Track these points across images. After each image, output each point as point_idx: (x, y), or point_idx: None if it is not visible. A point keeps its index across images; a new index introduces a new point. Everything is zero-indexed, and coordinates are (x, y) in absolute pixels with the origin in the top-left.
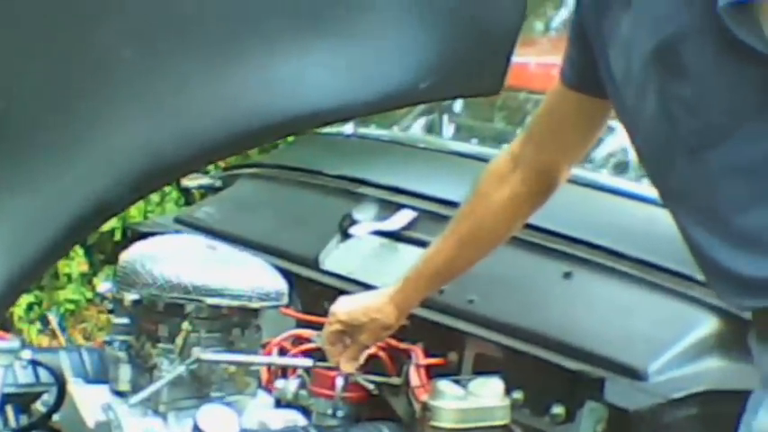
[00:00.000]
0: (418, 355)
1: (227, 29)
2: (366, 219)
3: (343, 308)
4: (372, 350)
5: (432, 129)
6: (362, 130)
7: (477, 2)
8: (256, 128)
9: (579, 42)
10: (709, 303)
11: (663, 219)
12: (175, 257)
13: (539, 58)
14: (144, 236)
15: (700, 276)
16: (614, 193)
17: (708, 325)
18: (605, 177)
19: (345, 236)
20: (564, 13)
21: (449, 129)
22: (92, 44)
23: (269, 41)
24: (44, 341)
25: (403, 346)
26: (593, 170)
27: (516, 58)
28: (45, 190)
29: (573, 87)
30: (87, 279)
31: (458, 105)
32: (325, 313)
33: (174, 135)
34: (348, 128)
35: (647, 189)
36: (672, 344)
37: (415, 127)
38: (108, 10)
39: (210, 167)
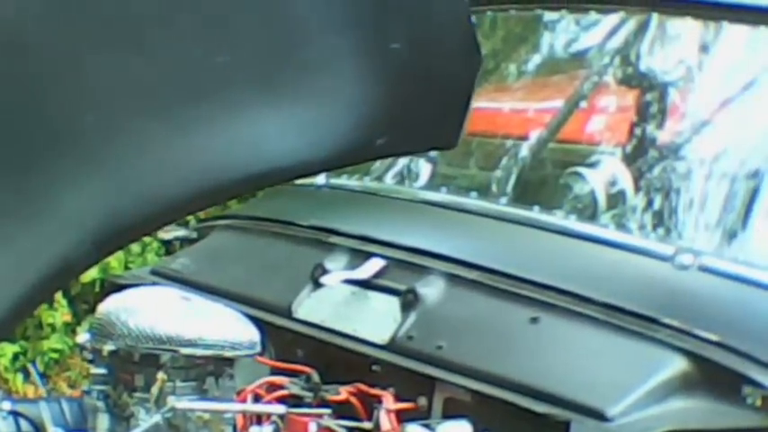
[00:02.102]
0: (388, 400)
1: (186, 93)
2: (337, 268)
3: None
4: (343, 395)
5: (404, 178)
6: (335, 181)
7: (431, 58)
8: (215, 187)
9: None
10: (675, 345)
11: (629, 263)
12: (150, 309)
13: (513, 104)
14: (122, 287)
15: (665, 319)
16: (581, 238)
17: (673, 366)
18: (572, 223)
19: (317, 285)
20: (537, 58)
21: (421, 177)
22: (52, 110)
23: (227, 103)
24: (30, 390)
25: (374, 391)
26: (561, 216)
27: (490, 104)
28: (6, 251)
29: None
30: (71, 329)
31: (432, 153)
32: (298, 361)
33: (135, 195)
34: (320, 179)
35: (614, 234)
36: (637, 386)
37: (387, 177)
38: (66, 78)
39: (191, 218)
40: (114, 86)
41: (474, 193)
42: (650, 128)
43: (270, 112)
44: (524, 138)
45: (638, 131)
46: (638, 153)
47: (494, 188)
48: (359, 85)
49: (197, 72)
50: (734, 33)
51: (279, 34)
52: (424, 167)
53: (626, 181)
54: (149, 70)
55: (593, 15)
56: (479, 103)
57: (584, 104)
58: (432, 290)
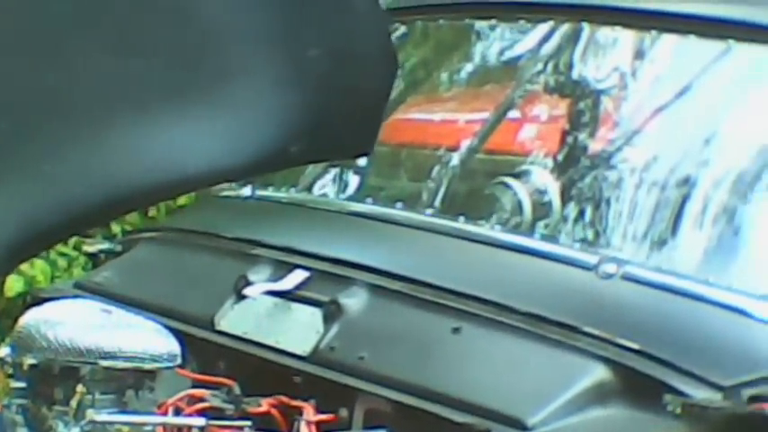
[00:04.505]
0: (309, 411)
1: (100, 99)
2: (260, 279)
3: None
4: (264, 407)
5: (331, 189)
6: (261, 193)
7: (347, 66)
8: (130, 193)
9: None
10: (596, 354)
11: (553, 272)
12: (70, 322)
13: (443, 114)
14: (44, 301)
15: (587, 327)
16: (506, 248)
17: (593, 375)
18: (497, 233)
19: (240, 297)
20: (468, 68)
21: (348, 189)
22: None
23: (141, 111)
24: None
25: (295, 403)
26: (486, 227)
27: (420, 115)
28: None
29: None
30: None
31: (361, 164)
32: (220, 373)
33: (50, 202)
34: (247, 190)
35: (539, 244)
36: (557, 395)
37: (314, 188)
38: None
39: (117, 231)
40: (27, 93)
41: (400, 204)
42: (580, 137)
43: (184, 119)
44: (453, 148)
45: (567, 141)
46: (567, 163)
47: (420, 199)
48: (275, 93)
49: (111, 79)
50: (664, 42)
51: (193, 42)
52: (352, 178)
53: (553, 191)
54: (62, 77)
55: (523, 24)
56: (409, 113)
57: (513, 114)
58: (354, 301)
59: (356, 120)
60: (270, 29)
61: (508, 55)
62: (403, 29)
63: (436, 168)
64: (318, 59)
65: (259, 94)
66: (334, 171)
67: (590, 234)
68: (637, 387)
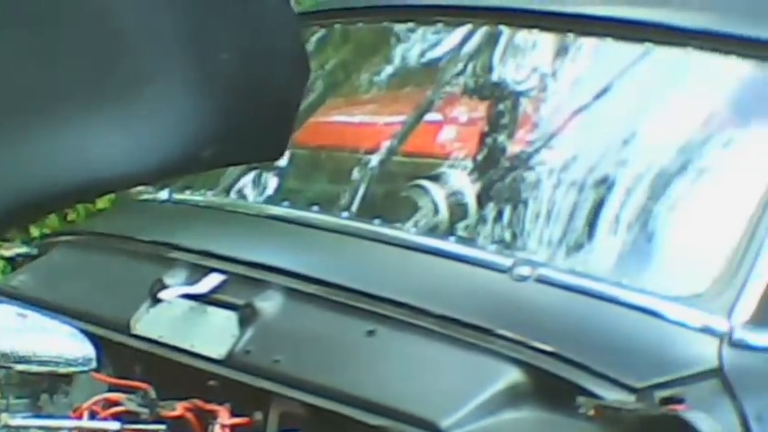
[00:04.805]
0: (223, 415)
1: (10, 103)
2: (176, 283)
3: None
4: (179, 411)
5: (249, 192)
6: (178, 196)
7: (259, 70)
8: (43, 197)
9: None
10: (510, 356)
11: (467, 275)
12: None
13: (362, 117)
14: None
15: (501, 330)
16: (422, 251)
17: (507, 377)
18: (413, 236)
19: (155, 300)
20: (389, 70)
21: (266, 192)
22: None
23: (51, 115)
24: None
25: (209, 406)
26: (401, 230)
27: (339, 117)
28: None
29: None
30: None
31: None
32: (136, 377)
33: None
34: (164, 193)
35: (454, 246)
36: (471, 397)
37: (232, 191)
38: None
39: (35, 234)
40: None
41: (316, 207)
42: (497, 140)
43: (96, 122)
44: (371, 151)
45: (484, 144)
46: (484, 165)
47: (337, 202)
48: (186, 96)
49: (22, 82)
50: (582, 45)
51: (104, 46)
52: (270, 181)
53: (470, 193)
54: None
55: (441, 27)
56: (328, 116)
57: (431, 117)
58: (270, 304)
59: (268, 123)
60: (181, 32)
61: (427, 58)
62: (322, 32)
63: (353, 171)
64: (229, 62)
65: (170, 98)
66: (253, 174)
67: (505, 237)
68: (550, 389)
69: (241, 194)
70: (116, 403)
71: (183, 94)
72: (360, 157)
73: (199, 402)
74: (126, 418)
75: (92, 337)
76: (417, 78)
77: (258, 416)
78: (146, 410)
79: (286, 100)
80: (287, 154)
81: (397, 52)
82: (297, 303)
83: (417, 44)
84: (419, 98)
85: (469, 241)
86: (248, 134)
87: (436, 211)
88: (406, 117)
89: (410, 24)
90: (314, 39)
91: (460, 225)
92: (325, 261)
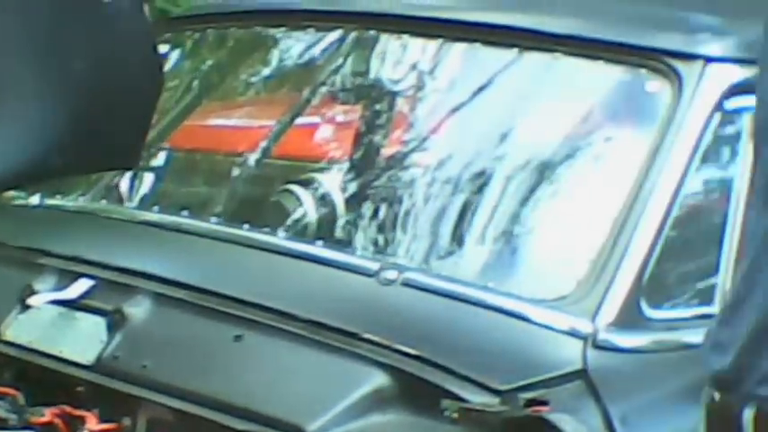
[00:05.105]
0: (91, 421)
1: None
2: (46, 289)
3: None
4: (47, 417)
5: (122, 197)
6: (50, 201)
7: (113, 79)
8: None
9: None
10: (376, 360)
11: (335, 279)
12: None
13: (234, 121)
14: None
15: (367, 334)
16: (289, 255)
17: (373, 381)
18: (281, 241)
19: (24, 306)
20: (263, 74)
21: (139, 197)
22: None
23: None
24: None
25: (78, 412)
26: (270, 234)
27: (212, 121)
28: None
29: None
30: None
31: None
32: (5, 383)
33: None
34: (35, 198)
35: (322, 251)
36: (337, 401)
37: (104, 196)
38: None
39: None
40: None
41: (186, 212)
42: (366, 145)
43: None
44: (241, 155)
45: (354, 148)
46: (353, 170)
47: (207, 207)
48: (38, 105)
49: None
50: (453, 50)
51: None
52: (143, 186)
53: (338, 197)
54: None
55: (313, 33)
56: (202, 119)
57: (302, 121)
58: (139, 310)
59: (121, 132)
60: (33, 41)
61: (299, 62)
62: (197, 36)
63: (224, 175)
64: (82, 71)
65: (24, 107)
66: (126, 179)
67: (373, 241)
68: (416, 392)
69: (113, 199)
70: None
71: (34, 102)
72: (231, 162)
73: (67, 408)
74: None
75: None
76: (289, 83)
77: (126, 421)
78: (14, 416)
79: (140, 109)
80: (161, 158)
81: (271, 57)
82: (165, 309)
83: (290, 49)
84: (290, 102)
85: (337, 245)
86: (101, 142)
87: (305, 215)
88: (277, 121)
89: (282, 29)
90: (189, 43)
91: (329, 229)
92: (194, 266)
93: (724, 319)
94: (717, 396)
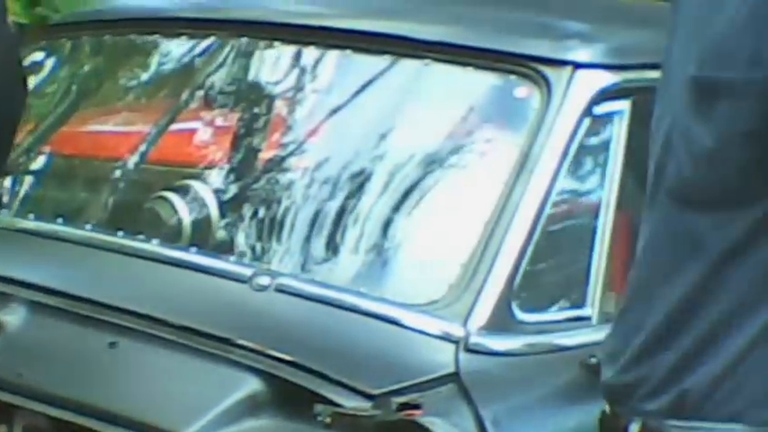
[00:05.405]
0: None
1: None
2: None
3: None
4: None
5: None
6: None
7: None
8: None
9: None
10: (249, 366)
11: (209, 285)
12: None
13: (111, 128)
14: None
15: (240, 340)
16: (163, 262)
17: (247, 387)
18: (155, 247)
19: None
20: (138, 81)
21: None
22: None
23: None
24: None
25: None
26: (144, 241)
27: (89, 127)
28: None
29: None
30: None
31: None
32: None
33: None
34: None
35: (196, 257)
36: (211, 407)
37: None
38: None
39: None
40: None
41: (61, 219)
42: (240, 151)
43: None
44: (117, 162)
45: (228, 155)
46: (227, 176)
47: (83, 213)
48: None
49: None
50: (325, 57)
51: None
52: (21, 193)
53: (212, 204)
54: None
55: (186, 40)
56: (79, 125)
57: (177, 127)
58: (13, 318)
59: None
60: None
61: (174, 69)
62: (72, 43)
63: (99, 182)
64: None
65: None
66: (3, 186)
67: (247, 247)
68: (290, 397)
69: None
70: None
71: None
72: (106, 168)
73: None
74: None
75: None
76: (165, 89)
77: (2, 429)
78: None
79: (4, 120)
80: (39, 163)
81: (146, 63)
82: (40, 316)
83: (165, 55)
84: (165, 109)
85: (211, 252)
86: None
87: (179, 221)
88: (152, 128)
89: (156, 36)
90: (65, 50)
91: (203, 236)
92: (68, 274)
93: (615, 331)
94: (608, 408)
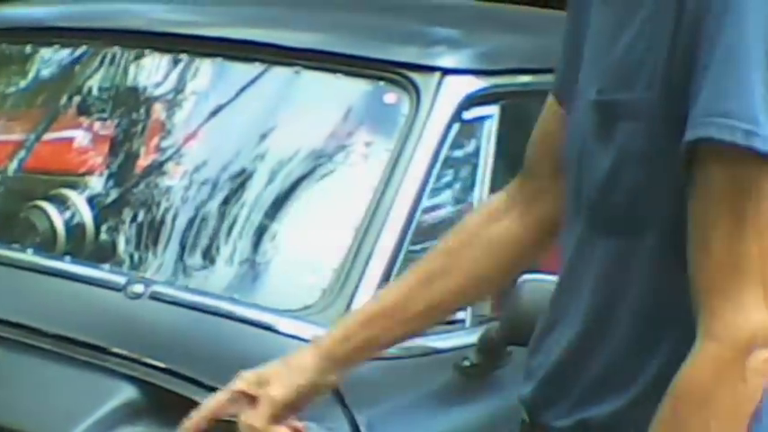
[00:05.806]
0: None
1: None
2: None
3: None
4: None
5: None
6: None
7: None
8: None
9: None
10: (124, 373)
11: (83, 294)
12: None
13: None
14: None
15: (115, 348)
16: (38, 272)
17: (121, 395)
18: (29, 257)
19: None
20: (17, 87)
21: None
22: None
23: None
24: None
25: None
26: (18, 250)
27: None
28: None
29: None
30: None
31: None
32: None
33: None
34: None
35: (70, 266)
36: (86, 415)
37: None
38: None
39: None
40: None
41: None
42: (115, 160)
43: None
44: None
45: (103, 163)
46: (102, 185)
47: None
48: None
49: None
50: (198, 65)
51: None
52: None
53: (86, 212)
54: None
55: (60, 48)
56: None
57: (52, 136)
58: None
59: None
60: None
61: (49, 77)
62: None
63: None
64: None
65: None
66: None
67: (121, 256)
68: (166, 405)
69: None
70: None
71: None
72: None
73: None
74: None
75: None
76: (38, 98)
77: None
78: None
79: None
80: None
81: (20, 72)
82: None
83: (38, 65)
84: (42, 118)
85: (86, 261)
86: None
87: (54, 230)
88: (28, 136)
89: (29, 46)
90: None
91: (78, 244)
92: None
93: (533, 347)
94: (526, 418)
